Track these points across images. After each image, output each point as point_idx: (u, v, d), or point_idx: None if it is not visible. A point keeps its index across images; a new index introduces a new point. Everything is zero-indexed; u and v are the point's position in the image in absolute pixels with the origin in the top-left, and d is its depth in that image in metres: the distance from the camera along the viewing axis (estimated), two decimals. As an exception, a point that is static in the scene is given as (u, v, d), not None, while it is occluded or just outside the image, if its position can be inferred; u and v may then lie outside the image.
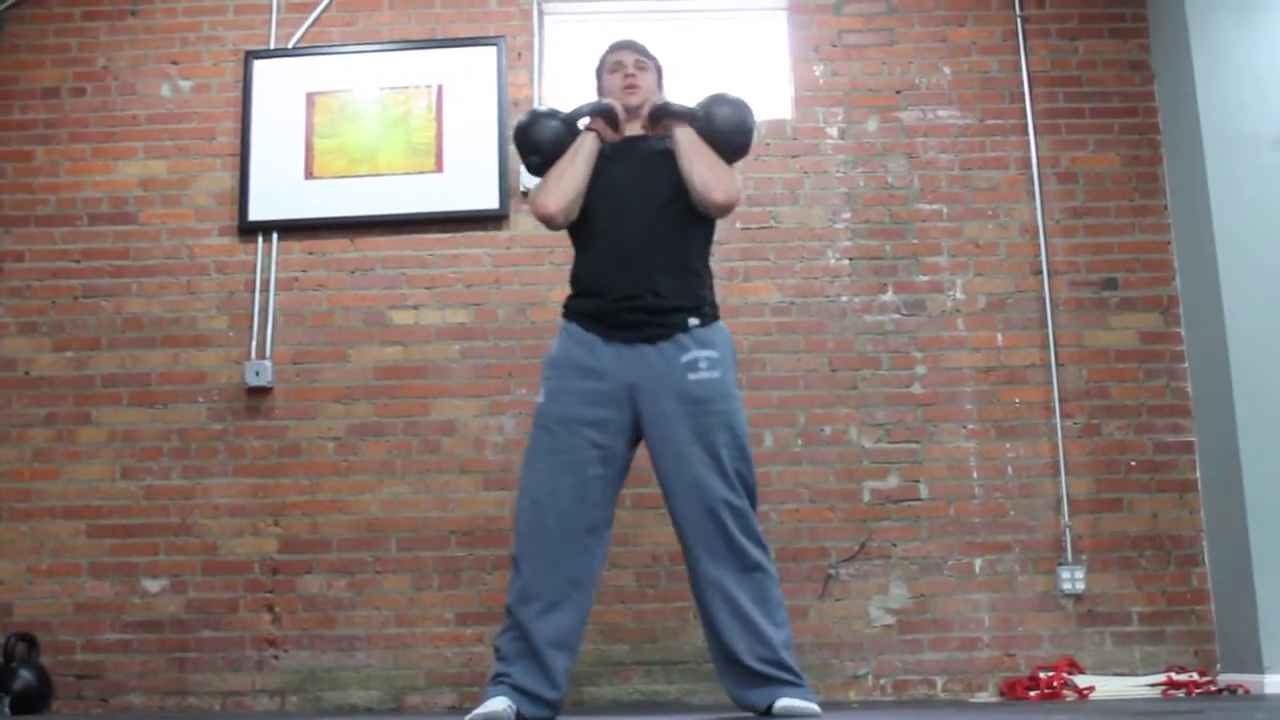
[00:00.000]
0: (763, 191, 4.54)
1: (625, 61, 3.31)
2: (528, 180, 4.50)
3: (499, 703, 2.87)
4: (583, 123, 3.26)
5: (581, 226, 3.21)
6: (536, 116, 3.25)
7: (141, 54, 4.70)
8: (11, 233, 4.58)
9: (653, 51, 3.40)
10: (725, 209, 3.17)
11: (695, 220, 3.19)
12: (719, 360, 3.07)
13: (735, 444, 3.03)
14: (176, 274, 4.53)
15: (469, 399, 4.40)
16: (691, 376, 3.02)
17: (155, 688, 4.22)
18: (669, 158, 3.18)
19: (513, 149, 4.51)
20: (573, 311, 3.17)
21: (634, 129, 3.30)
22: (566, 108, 3.33)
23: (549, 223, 3.18)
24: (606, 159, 3.21)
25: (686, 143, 3.16)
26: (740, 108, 3.22)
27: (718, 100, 3.23)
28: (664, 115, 3.23)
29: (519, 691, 2.91)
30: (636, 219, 3.12)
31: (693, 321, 3.08)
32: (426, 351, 4.45)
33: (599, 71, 3.39)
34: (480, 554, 4.28)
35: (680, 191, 3.15)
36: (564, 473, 3.00)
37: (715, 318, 3.15)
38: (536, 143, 3.22)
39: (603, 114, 3.23)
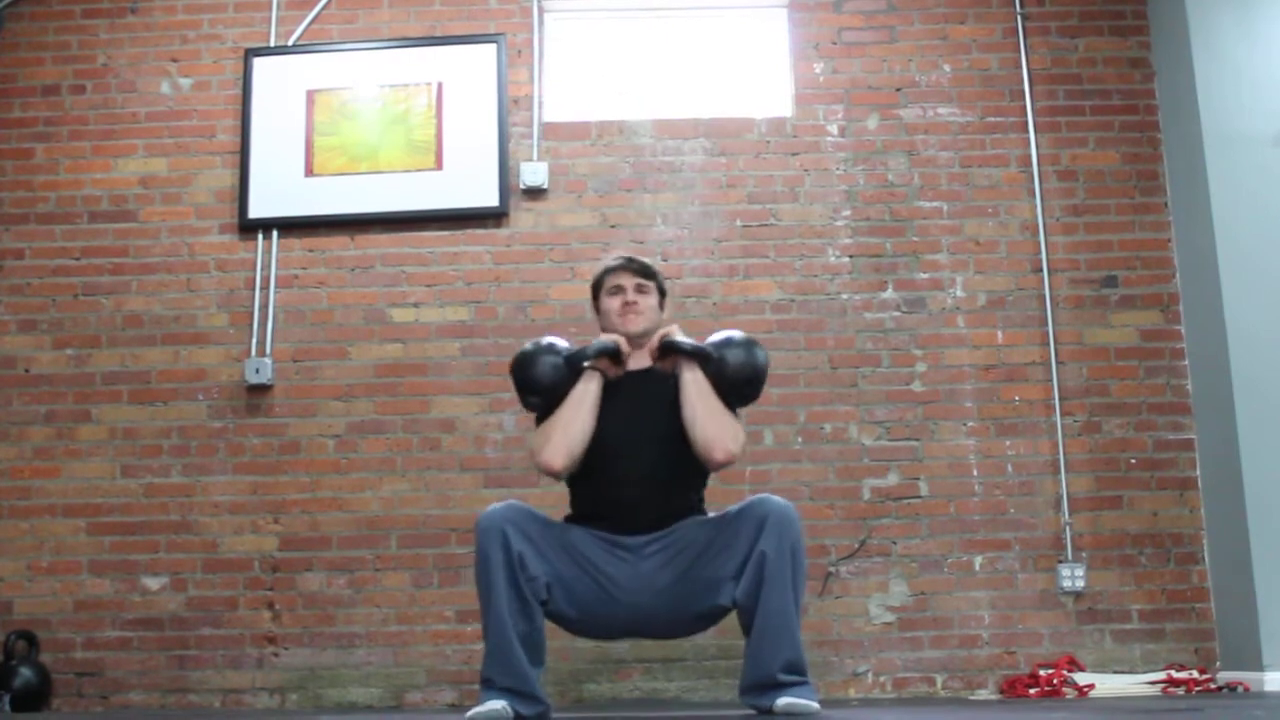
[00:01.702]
0: (763, 189, 4.54)
1: (625, 285, 3.14)
2: (528, 178, 4.50)
3: (497, 702, 2.87)
4: (586, 364, 3.07)
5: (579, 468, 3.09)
6: (536, 353, 3.04)
7: (141, 51, 4.70)
8: (11, 230, 4.58)
9: (653, 269, 3.22)
10: (723, 466, 3.03)
11: (692, 461, 3.06)
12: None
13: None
14: (176, 271, 4.53)
15: (469, 397, 4.40)
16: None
17: (155, 685, 4.22)
18: (670, 401, 3.03)
19: (513, 146, 4.56)
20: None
21: (636, 361, 3.13)
22: (567, 342, 3.14)
23: (552, 475, 3.04)
24: (608, 391, 3.06)
25: (693, 390, 2.99)
26: (750, 350, 3.04)
27: (728, 342, 3.04)
28: (672, 353, 3.03)
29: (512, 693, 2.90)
30: (637, 463, 3.02)
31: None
32: (426, 349, 4.45)
33: (596, 289, 3.21)
34: (480, 551, 4.27)
35: (680, 436, 3.02)
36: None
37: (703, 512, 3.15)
38: (536, 382, 3.03)
39: (606, 355, 3.03)
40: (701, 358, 3.01)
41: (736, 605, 2.94)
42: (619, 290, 3.15)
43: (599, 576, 2.98)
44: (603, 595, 2.99)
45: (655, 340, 3.08)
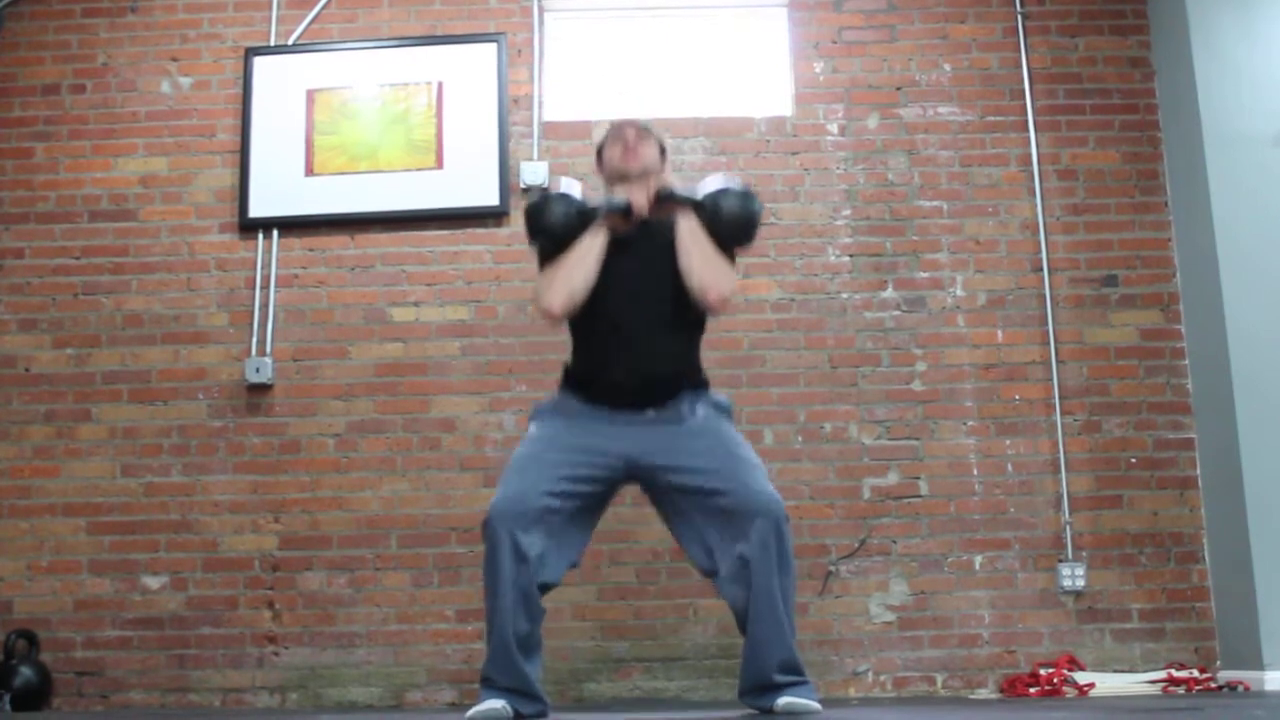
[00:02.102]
0: (763, 189, 4.53)
1: (626, 135, 3.21)
2: (528, 177, 4.50)
3: (497, 701, 2.88)
4: (596, 216, 3.14)
5: (577, 317, 3.14)
6: (549, 200, 3.12)
7: (142, 51, 4.70)
8: (11, 230, 4.58)
9: (654, 128, 3.28)
10: (719, 309, 3.10)
11: (691, 311, 3.13)
12: (713, 413, 3.09)
13: (749, 450, 3.06)
14: (177, 271, 4.53)
15: (469, 396, 4.40)
16: (689, 421, 3.04)
17: (155, 684, 4.22)
18: (668, 251, 3.09)
19: (513, 146, 4.55)
20: (565, 387, 3.14)
21: (637, 205, 3.17)
22: (573, 182, 3.21)
23: (550, 319, 3.11)
24: (609, 245, 3.12)
25: (687, 236, 3.06)
26: (745, 199, 3.11)
27: (723, 192, 3.12)
28: (668, 201, 3.12)
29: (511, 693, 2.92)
30: (636, 305, 3.07)
31: (686, 395, 3.08)
32: (427, 348, 4.45)
33: (599, 149, 3.28)
34: (480, 551, 4.22)
35: (678, 285, 3.07)
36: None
37: (707, 388, 3.16)
38: (547, 227, 3.10)
39: (618, 211, 3.11)
40: (695, 205, 3.11)
41: (724, 598, 3.02)
42: (620, 139, 3.22)
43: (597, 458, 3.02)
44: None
45: (651, 191, 3.15)
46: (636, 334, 3.06)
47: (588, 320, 3.11)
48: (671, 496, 3.05)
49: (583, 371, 3.13)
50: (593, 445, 3.02)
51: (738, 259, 3.21)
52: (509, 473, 3.02)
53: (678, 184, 3.18)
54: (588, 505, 3.04)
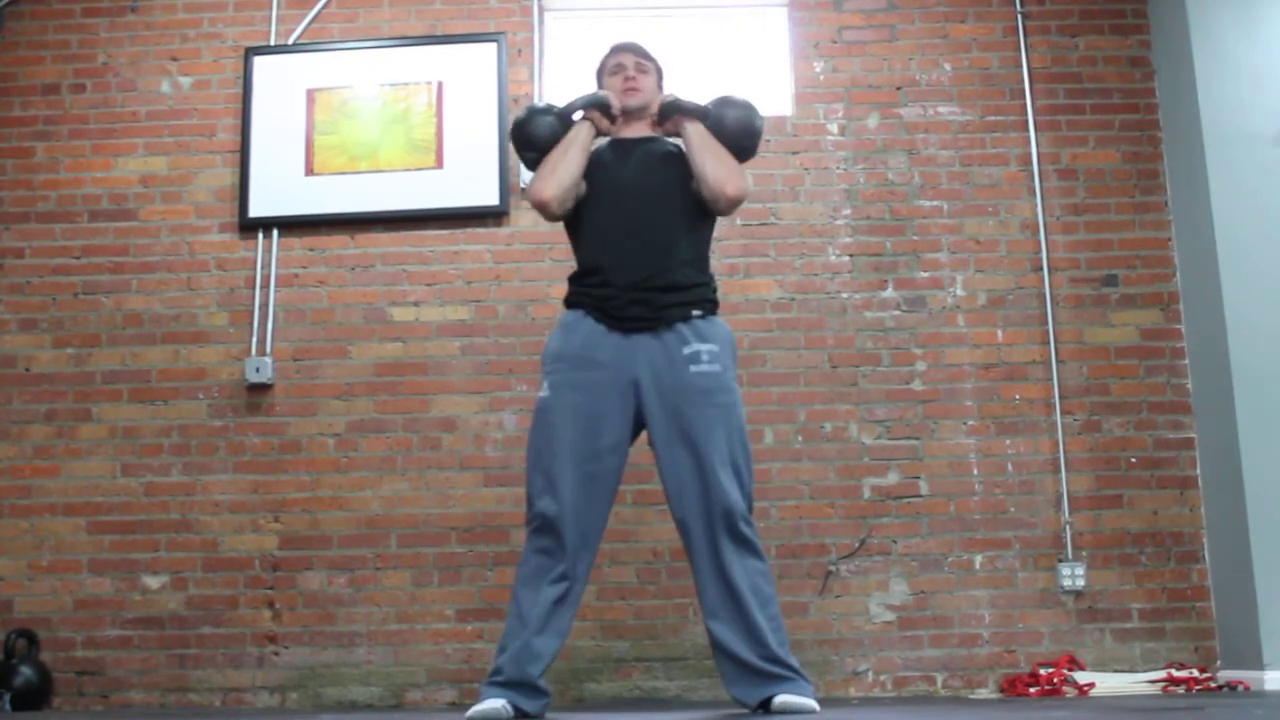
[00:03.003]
0: (763, 188, 4.53)
1: (626, 64, 3.31)
2: (528, 176, 4.49)
3: (497, 700, 2.88)
4: (577, 115, 3.28)
5: (583, 224, 3.21)
6: (532, 113, 3.27)
7: (142, 50, 4.70)
8: (12, 229, 4.58)
9: (653, 53, 3.40)
10: (736, 202, 3.18)
11: (697, 218, 3.21)
12: (719, 354, 3.07)
13: (736, 438, 3.05)
14: (177, 270, 4.53)
15: (469, 395, 4.40)
16: (693, 369, 3.03)
17: (156, 684, 4.23)
18: (672, 160, 3.21)
19: (513, 145, 4.54)
20: (573, 297, 3.17)
21: (637, 131, 3.31)
22: (564, 102, 3.34)
23: (544, 209, 3.18)
24: (609, 160, 3.23)
25: (698, 138, 3.18)
26: (748, 109, 3.25)
27: (726, 102, 3.25)
28: (674, 112, 3.25)
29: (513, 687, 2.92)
30: (639, 215, 3.13)
31: (694, 312, 3.08)
32: (427, 348, 4.45)
33: (599, 74, 3.40)
34: (480, 550, 4.28)
35: (683, 190, 3.17)
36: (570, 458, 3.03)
37: (715, 312, 3.16)
38: (533, 139, 3.23)
39: (597, 106, 3.25)
40: (702, 114, 3.22)
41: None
42: (620, 68, 3.32)
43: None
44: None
45: (655, 106, 3.28)
46: (642, 239, 3.10)
47: (593, 230, 3.17)
48: (659, 426, 3.07)
49: (588, 277, 3.14)
50: (605, 397, 3.03)
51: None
52: (541, 465, 3.03)
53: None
54: (617, 465, 3.09)
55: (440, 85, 4.60)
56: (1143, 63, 4.63)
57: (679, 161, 3.22)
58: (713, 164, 3.15)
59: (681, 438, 3.01)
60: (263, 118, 4.58)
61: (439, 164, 4.54)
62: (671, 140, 3.30)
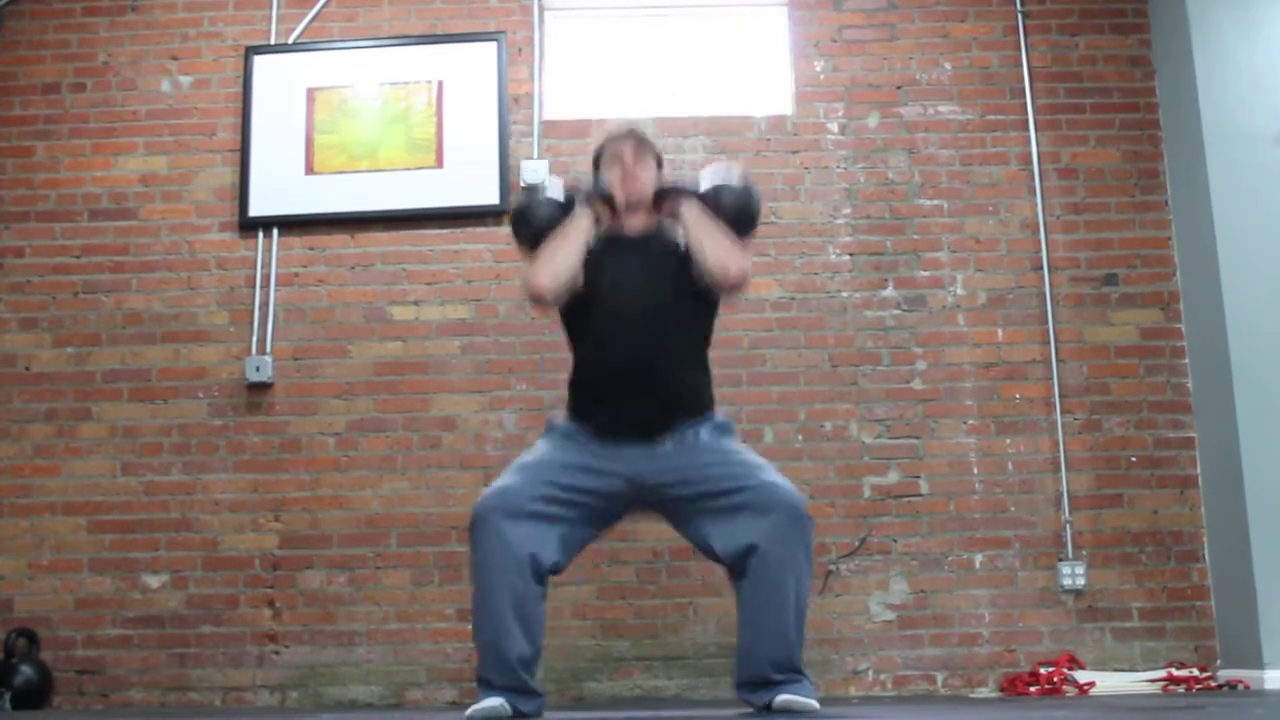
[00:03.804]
0: (763, 187, 4.49)
1: (624, 154, 3.16)
2: (528, 176, 4.50)
3: (496, 700, 2.88)
4: (575, 196, 3.15)
5: (579, 322, 3.11)
6: (533, 196, 3.14)
7: (142, 49, 4.70)
8: (12, 228, 4.58)
9: (653, 139, 3.23)
10: (739, 284, 3.05)
11: (698, 317, 3.11)
12: (716, 428, 3.05)
13: (756, 459, 3.02)
14: (177, 269, 4.53)
15: (469, 394, 4.40)
16: (695, 443, 3.00)
17: (156, 683, 4.23)
18: (672, 258, 3.08)
19: (513, 144, 4.55)
20: (571, 415, 3.08)
21: (635, 223, 3.16)
22: (560, 178, 3.24)
23: (540, 300, 3.05)
24: (607, 256, 3.10)
25: (695, 219, 3.04)
26: (746, 190, 3.12)
27: (723, 185, 3.11)
28: (670, 194, 3.12)
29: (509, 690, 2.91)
30: (637, 321, 3.02)
31: (688, 423, 3.03)
32: (427, 347, 4.45)
33: (596, 160, 3.25)
34: (481, 549, 4.28)
35: (683, 290, 3.05)
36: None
37: (712, 408, 3.11)
38: (532, 222, 3.10)
39: (600, 197, 3.11)
40: (698, 194, 3.10)
41: (730, 576, 2.97)
42: (618, 159, 3.18)
43: (598, 487, 2.97)
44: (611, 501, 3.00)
45: (650, 193, 3.14)
46: (642, 351, 3.00)
47: (591, 336, 3.07)
48: (679, 506, 2.99)
49: (587, 396, 3.06)
50: (596, 466, 2.96)
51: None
52: (502, 475, 2.99)
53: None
54: (585, 516, 2.97)
55: (440, 84, 4.60)
56: (1143, 62, 4.63)
57: (679, 260, 3.06)
58: (711, 246, 3.00)
59: (711, 479, 2.94)
60: (263, 117, 4.58)
61: (439, 163, 4.54)
62: (671, 235, 3.15)
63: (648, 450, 2.98)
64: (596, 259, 3.06)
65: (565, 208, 3.10)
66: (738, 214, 3.09)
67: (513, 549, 2.85)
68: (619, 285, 3.04)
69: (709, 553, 2.99)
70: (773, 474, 2.98)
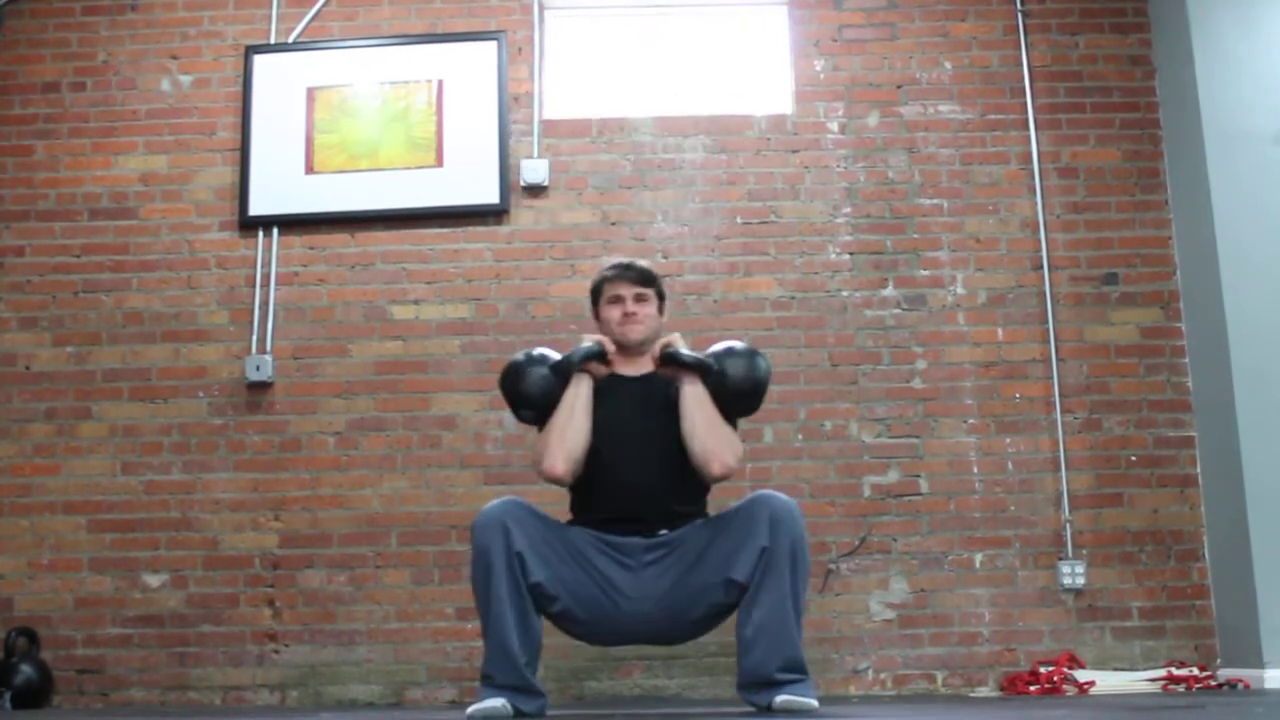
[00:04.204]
0: (763, 187, 4.53)
1: (624, 295, 3.15)
2: (529, 176, 4.50)
3: (497, 700, 2.88)
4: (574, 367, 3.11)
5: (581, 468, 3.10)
6: (524, 366, 3.07)
7: (142, 49, 4.70)
8: (12, 228, 4.58)
9: (653, 275, 3.21)
10: (720, 479, 3.06)
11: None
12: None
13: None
14: (177, 269, 4.53)
15: (469, 394, 4.40)
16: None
17: (156, 682, 4.23)
18: (671, 404, 3.06)
19: (513, 144, 4.56)
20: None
21: (636, 366, 3.16)
22: (554, 351, 3.15)
23: (556, 482, 3.07)
24: (607, 398, 3.09)
25: (692, 403, 3.02)
26: (753, 362, 3.07)
27: (730, 353, 3.07)
28: (673, 364, 3.06)
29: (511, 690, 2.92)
30: (639, 465, 3.03)
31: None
32: (427, 346, 4.45)
33: (595, 295, 3.23)
34: (481, 549, 4.28)
35: (681, 438, 3.05)
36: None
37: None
38: (526, 395, 3.06)
39: (593, 358, 3.07)
40: (702, 370, 3.03)
41: (738, 601, 2.96)
42: (618, 300, 3.15)
43: (602, 582, 2.99)
44: (606, 601, 2.99)
45: (657, 349, 3.10)
46: (641, 490, 3.02)
47: (590, 482, 3.07)
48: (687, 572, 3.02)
49: (583, 519, 3.10)
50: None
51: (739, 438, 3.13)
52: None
53: (682, 343, 3.10)
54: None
55: (440, 84, 4.60)
56: (1143, 61, 4.63)
57: (677, 406, 3.05)
58: (701, 436, 2.99)
59: (711, 539, 2.97)
60: (263, 116, 4.58)
61: (439, 162, 4.54)
62: (669, 380, 3.11)
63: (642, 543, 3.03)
64: (595, 402, 3.06)
65: (559, 370, 3.04)
66: (742, 386, 3.05)
67: (511, 549, 2.87)
68: (617, 427, 3.04)
69: (731, 584, 2.93)
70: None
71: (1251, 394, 4.09)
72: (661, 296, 3.22)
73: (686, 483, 3.09)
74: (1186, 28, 4.35)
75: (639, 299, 3.15)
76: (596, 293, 3.22)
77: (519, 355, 3.13)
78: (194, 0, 4.72)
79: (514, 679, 2.89)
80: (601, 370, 3.10)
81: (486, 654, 2.92)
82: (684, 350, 3.06)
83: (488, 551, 2.88)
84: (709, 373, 3.02)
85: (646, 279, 3.18)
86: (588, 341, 3.10)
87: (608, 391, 3.09)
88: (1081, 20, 4.66)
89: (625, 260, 3.25)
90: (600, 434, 3.03)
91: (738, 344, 3.10)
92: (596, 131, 4.59)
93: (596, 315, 3.25)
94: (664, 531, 3.04)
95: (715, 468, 3.00)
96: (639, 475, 3.03)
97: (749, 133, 4.59)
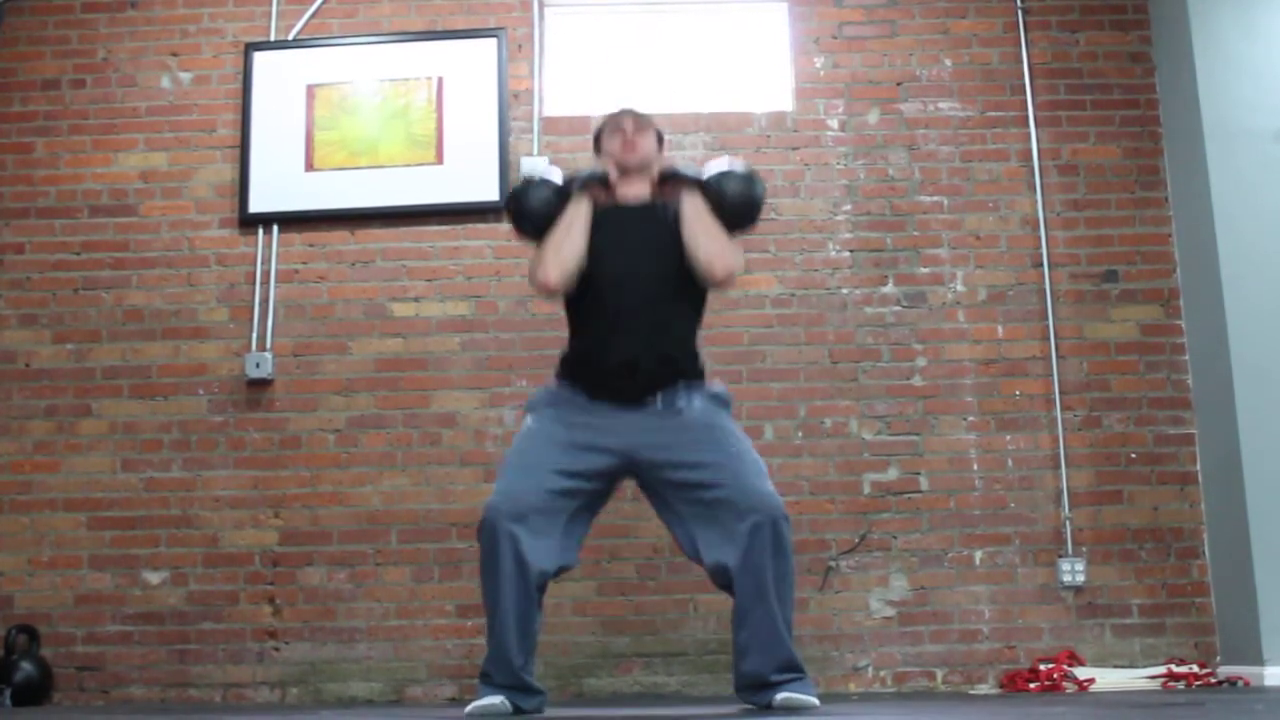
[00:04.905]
0: (764, 184, 4.52)
1: (624, 126, 3.24)
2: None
3: (495, 697, 2.89)
4: (575, 188, 3.17)
5: (578, 291, 3.14)
6: (528, 185, 3.18)
7: (141, 46, 4.70)
8: (12, 225, 4.57)
9: (651, 117, 3.31)
10: (725, 284, 3.14)
11: (693, 290, 3.15)
12: (709, 404, 3.07)
13: (747, 446, 3.04)
14: (177, 266, 4.53)
15: (469, 391, 4.40)
16: (685, 414, 3.03)
17: (156, 679, 4.23)
18: (670, 229, 3.12)
19: (513, 141, 4.55)
20: (563, 372, 3.14)
21: (636, 193, 3.21)
22: (558, 168, 3.26)
23: (548, 293, 3.12)
24: (607, 228, 3.14)
25: (692, 212, 3.09)
26: (750, 181, 3.17)
27: (727, 173, 3.16)
28: (673, 179, 3.18)
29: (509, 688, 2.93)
30: (636, 287, 3.07)
31: (681, 383, 3.07)
32: (427, 343, 4.45)
33: (597, 137, 3.32)
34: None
35: (680, 262, 3.09)
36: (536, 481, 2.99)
37: (702, 378, 3.14)
38: (529, 213, 3.15)
39: (595, 181, 3.18)
40: (701, 184, 3.14)
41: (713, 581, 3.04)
42: (619, 130, 3.25)
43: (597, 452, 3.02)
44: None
45: (656, 171, 3.21)
46: (636, 313, 3.06)
47: (586, 301, 3.12)
48: (665, 491, 3.05)
49: (580, 354, 3.13)
50: (589, 441, 3.01)
51: (740, 246, 3.23)
52: (505, 470, 3.02)
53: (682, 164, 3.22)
54: (586, 503, 3.04)
55: (440, 81, 4.59)
56: (1143, 58, 4.62)
57: (675, 230, 3.11)
58: (704, 241, 3.06)
59: (698, 457, 2.97)
60: (263, 113, 4.58)
61: (439, 159, 4.54)
62: (669, 207, 3.17)
63: (639, 416, 3.02)
64: (596, 230, 3.12)
65: (562, 193, 3.15)
66: (739, 204, 3.14)
67: (520, 557, 2.90)
68: (615, 250, 3.10)
69: (693, 555, 3.03)
70: (751, 470, 3.00)
71: (1251, 391, 4.09)
72: (660, 137, 3.32)
73: (682, 306, 3.15)
74: (1187, 25, 4.34)
75: (638, 130, 3.25)
76: (599, 135, 3.32)
77: (523, 177, 3.29)
78: (194, -3, 4.73)
79: (511, 679, 2.91)
80: (604, 196, 3.19)
81: (487, 653, 2.95)
82: (683, 167, 3.22)
83: (493, 553, 2.92)
84: (707, 187, 3.14)
85: (647, 117, 3.31)
86: (592, 167, 3.23)
87: (611, 218, 3.17)
88: (1082, 17, 4.66)
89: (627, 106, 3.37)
90: (603, 257, 3.10)
91: (735, 164, 3.21)
92: (595, 123, 4.57)
93: (599, 155, 3.33)
94: (656, 397, 3.03)
95: (719, 269, 3.07)
96: (634, 293, 3.07)
97: (749, 130, 4.59)
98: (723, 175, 3.15)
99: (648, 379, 3.03)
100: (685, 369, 3.09)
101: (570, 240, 3.08)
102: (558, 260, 3.07)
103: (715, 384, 3.16)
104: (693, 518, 3.00)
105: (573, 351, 3.16)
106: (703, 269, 3.07)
